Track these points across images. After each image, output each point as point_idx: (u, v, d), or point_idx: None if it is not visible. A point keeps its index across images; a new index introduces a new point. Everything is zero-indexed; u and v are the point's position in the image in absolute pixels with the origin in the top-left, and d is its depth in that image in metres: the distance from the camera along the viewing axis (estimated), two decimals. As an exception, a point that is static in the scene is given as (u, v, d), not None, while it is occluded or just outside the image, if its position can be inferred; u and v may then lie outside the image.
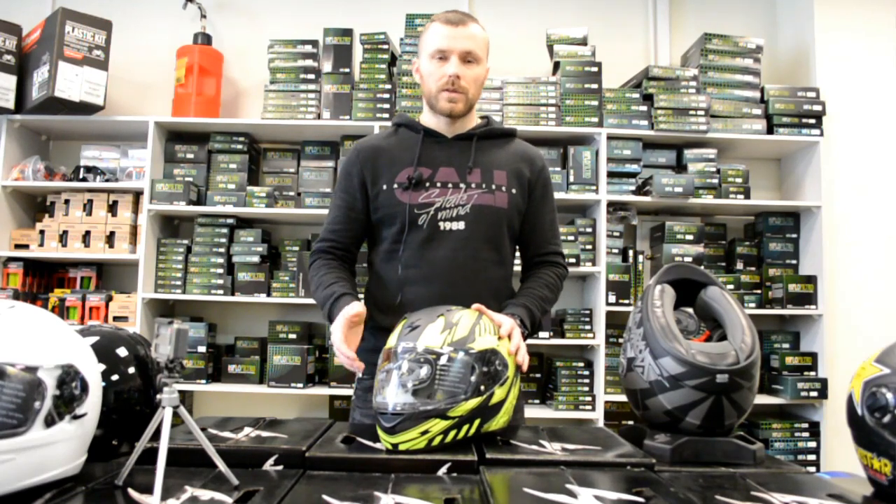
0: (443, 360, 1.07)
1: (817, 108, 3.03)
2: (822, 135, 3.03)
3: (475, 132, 1.49)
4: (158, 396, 0.84)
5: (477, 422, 1.07)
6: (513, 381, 1.15)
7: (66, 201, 3.03)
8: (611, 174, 3.00)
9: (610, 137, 2.99)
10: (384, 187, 1.45)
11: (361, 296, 1.53)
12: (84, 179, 3.03)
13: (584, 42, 3.13)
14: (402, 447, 1.03)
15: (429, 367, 1.06)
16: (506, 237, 1.48)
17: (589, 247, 2.97)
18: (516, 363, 1.18)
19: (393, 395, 1.06)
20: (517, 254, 1.60)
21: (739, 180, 3.04)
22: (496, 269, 1.47)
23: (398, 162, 1.46)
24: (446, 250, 1.41)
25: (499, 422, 1.12)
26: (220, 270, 2.99)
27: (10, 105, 2.91)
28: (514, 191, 1.47)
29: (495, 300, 1.41)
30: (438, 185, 1.43)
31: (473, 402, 1.06)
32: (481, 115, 1.57)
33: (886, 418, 0.84)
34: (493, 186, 1.45)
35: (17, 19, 2.98)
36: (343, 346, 1.26)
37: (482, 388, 1.07)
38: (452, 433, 1.05)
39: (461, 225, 1.42)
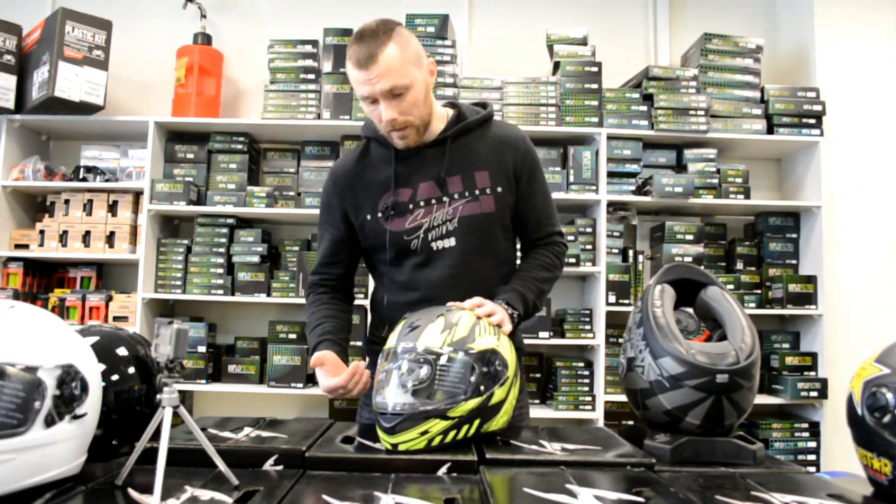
0: (442, 361, 1.07)
1: (817, 108, 3.03)
2: (822, 135, 3.03)
3: (447, 135, 1.40)
4: (158, 396, 0.84)
5: (477, 422, 1.07)
6: (513, 382, 1.15)
7: (66, 201, 3.03)
8: (611, 174, 3.00)
9: (610, 137, 2.99)
10: (368, 217, 1.40)
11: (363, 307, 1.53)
12: (84, 179, 3.03)
13: (584, 42, 3.13)
14: (401, 447, 1.03)
15: (428, 367, 1.06)
16: (499, 237, 1.44)
17: (589, 247, 2.97)
18: (492, 323, 1.19)
19: (392, 395, 1.06)
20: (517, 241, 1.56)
21: (739, 180, 3.04)
22: (493, 271, 1.44)
23: (375, 186, 1.40)
24: (441, 269, 1.38)
25: (499, 422, 1.12)
26: (220, 270, 2.99)
27: (10, 105, 2.91)
28: (499, 189, 1.41)
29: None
30: (422, 203, 1.38)
31: (473, 403, 1.06)
32: (448, 103, 1.47)
33: (886, 418, 0.84)
34: (477, 192, 1.39)
35: (17, 19, 2.99)
36: (331, 383, 1.29)
37: (482, 388, 1.07)
38: (452, 433, 1.05)
39: (452, 241, 1.38)
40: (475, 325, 1.14)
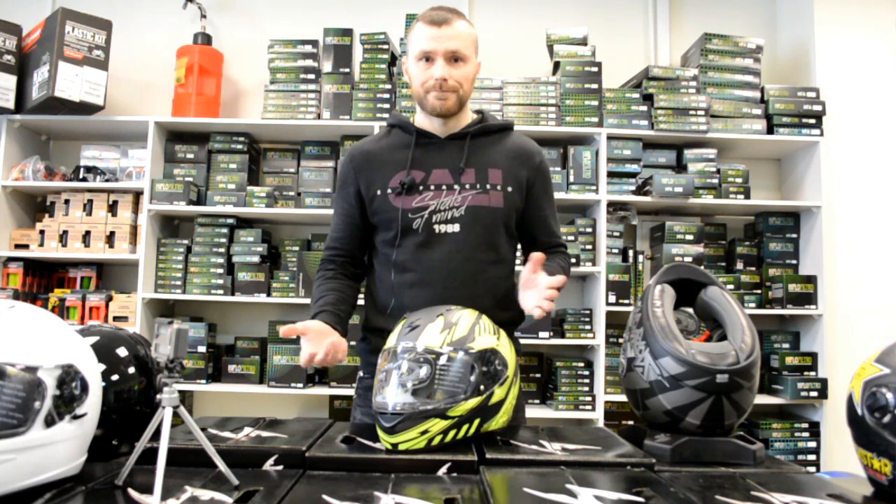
0: (442, 360, 1.07)
1: (817, 108, 3.03)
2: (822, 135, 3.03)
3: (469, 131, 1.46)
4: (158, 396, 0.84)
5: (477, 421, 1.07)
6: (512, 381, 1.15)
7: (66, 201, 3.03)
8: (611, 174, 3.00)
9: (610, 137, 2.99)
10: (378, 192, 1.44)
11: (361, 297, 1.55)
12: (84, 179, 3.03)
13: (584, 42, 3.13)
14: (401, 447, 1.03)
15: (428, 366, 1.06)
16: (503, 236, 1.47)
17: (589, 247, 2.97)
18: (539, 311, 1.21)
19: (392, 394, 1.06)
20: (517, 250, 1.59)
21: (739, 180, 3.04)
22: (493, 268, 1.46)
23: (391, 165, 1.44)
24: (442, 253, 1.40)
25: (499, 421, 1.12)
26: (220, 270, 2.99)
27: (10, 105, 2.91)
28: (509, 189, 1.45)
29: (493, 299, 1.41)
30: (432, 187, 1.42)
31: (473, 402, 1.06)
32: (475, 109, 1.54)
33: (886, 418, 0.84)
34: (488, 186, 1.43)
35: (17, 19, 2.99)
36: (304, 352, 1.25)
37: (482, 387, 1.07)
38: (452, 433, 1.05)
39: (456, 227, 1.41)
40: (475, 324, 1.14)
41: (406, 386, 1.06)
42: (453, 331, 1.11)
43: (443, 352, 1.07)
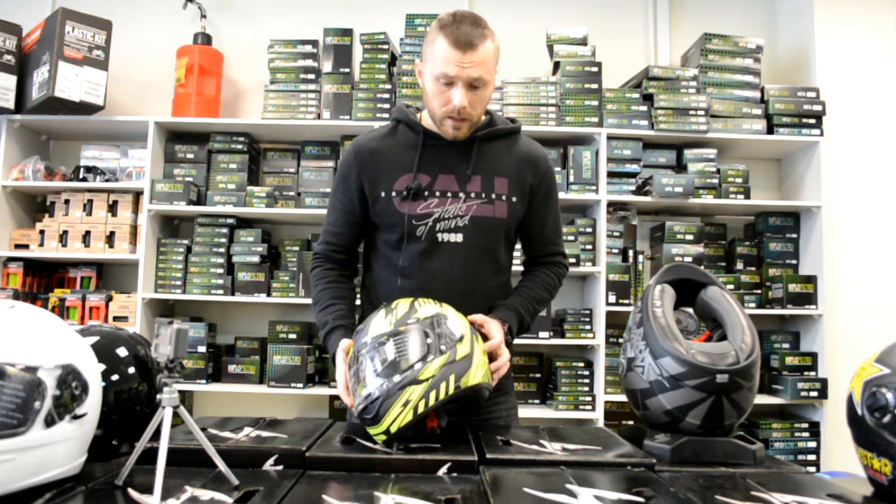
0: (395, 337, 1.10)
1: (817, 108, 3.03)
2: (822, 135, 3.03)
3: (477, 135, 1.42)
4: (158, 396, 0.84)
5: (452, 377, 1.07)
6: (473, 336, 1.16)
7: (66, 201, 3.03)
8: (611, 174, 3.00)
9: (610, 137, 2.99)
10: (382, 194, 1.41)
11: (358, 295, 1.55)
12: (84, 179, 3.03)
13: (584, 42, 3.13)
14: (393, 429, 1.04)
15: (385, 347, 1.09)
16: (503, 246, 1.46)
17: (589, 247, 2.97)
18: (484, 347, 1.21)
19: (365, 386, 1.08)
20: (516, 252, 1.59)
21: (739, 180, 3.04)
22: (493, 278, 1.45)
23: (397, 167, 1.42)
24: (444, 262, 1.39)
25: (476, 375, 1.10)
26: (220, 270, 2.99)
27: (10, 105, 2.91)
28: (514, 199, 1.43)
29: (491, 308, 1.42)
30: (437, 193, 1.40)
31: (439, 362, 1.07)
32: None
33: (886, 418, 0.84)
34: (493, 196, 1.41)
35: (17, 19, 2.99)
36: (344, 391, 1.23)
37: (442, 347, 1.09)
38: (433, 395, 1.05)
39: (459, 237, 1.39)
40: (413, 302, 1.18)
41: (374, 372, 1.08)
42: (395, 312, 1.16)
43: (393, 330, 1.11)
